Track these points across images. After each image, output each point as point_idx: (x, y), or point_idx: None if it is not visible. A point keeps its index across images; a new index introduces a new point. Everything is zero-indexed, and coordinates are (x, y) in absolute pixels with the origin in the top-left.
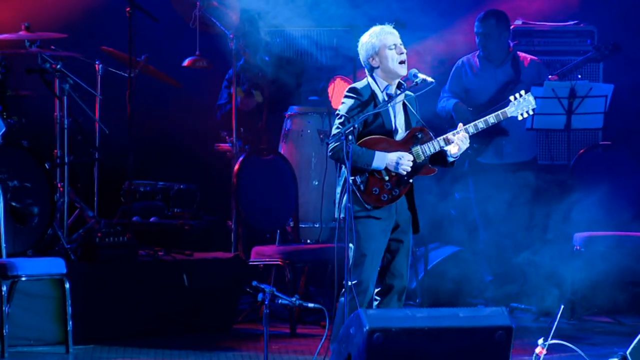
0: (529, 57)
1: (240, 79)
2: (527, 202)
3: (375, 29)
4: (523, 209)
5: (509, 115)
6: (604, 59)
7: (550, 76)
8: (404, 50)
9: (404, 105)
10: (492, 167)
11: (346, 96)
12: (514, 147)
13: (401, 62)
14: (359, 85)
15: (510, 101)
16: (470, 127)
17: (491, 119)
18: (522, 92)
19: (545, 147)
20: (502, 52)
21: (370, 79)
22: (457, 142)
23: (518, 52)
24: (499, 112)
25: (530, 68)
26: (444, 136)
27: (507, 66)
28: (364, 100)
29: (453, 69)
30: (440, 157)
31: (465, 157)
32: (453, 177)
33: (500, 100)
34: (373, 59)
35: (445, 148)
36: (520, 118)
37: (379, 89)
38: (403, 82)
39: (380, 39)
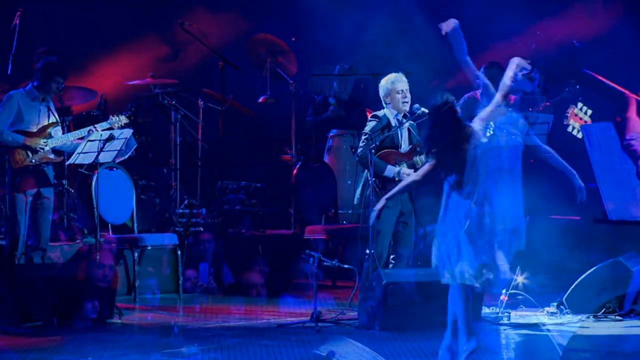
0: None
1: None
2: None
3: (391, 76)
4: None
5: None
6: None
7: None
8: (408, 96)
9: (408, 128)
10: None
11: (370, 120)
12: None
13: (404, 103)
14: (379, 113)
15: None
16: None
17: None
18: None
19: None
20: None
21: (386, 109)
22: None
23: None
24: None
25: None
26: None
27: None
28: (383, 123)
29: (461, 102)
30: None
31: None
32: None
33: None
34: (387, 97)
35: None
36: None
37: (392, 116)
38: (408, 114)
39: (394, 86)
